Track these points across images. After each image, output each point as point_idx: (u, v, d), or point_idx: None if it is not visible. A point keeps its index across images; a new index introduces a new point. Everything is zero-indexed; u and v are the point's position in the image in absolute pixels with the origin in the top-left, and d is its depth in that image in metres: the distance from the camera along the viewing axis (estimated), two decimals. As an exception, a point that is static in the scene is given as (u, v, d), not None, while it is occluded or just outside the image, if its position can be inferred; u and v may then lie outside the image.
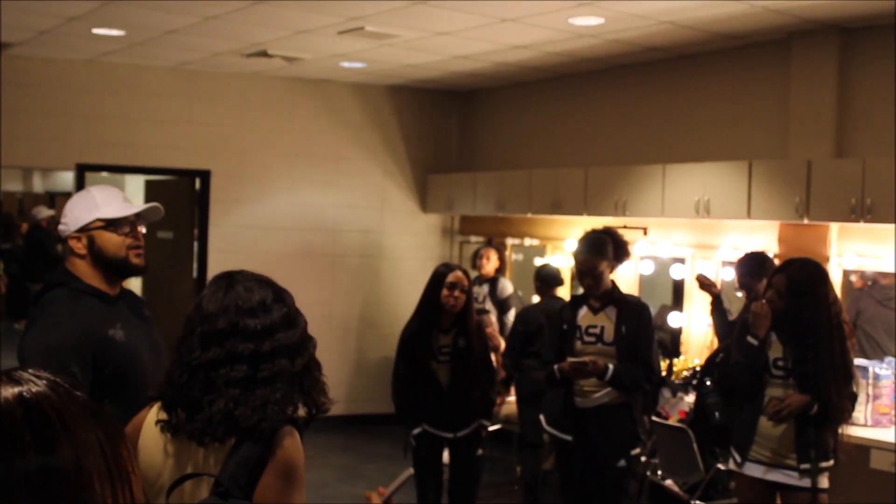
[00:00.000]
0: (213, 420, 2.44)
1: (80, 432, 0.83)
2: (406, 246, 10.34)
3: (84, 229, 3.30)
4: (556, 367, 5.55)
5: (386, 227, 10.46)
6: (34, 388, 0.85)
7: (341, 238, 10.26)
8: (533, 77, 9.46)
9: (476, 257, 9.00)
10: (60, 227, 3.37)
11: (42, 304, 3.29)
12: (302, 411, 2.56)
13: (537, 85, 9.69)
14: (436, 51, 8.31)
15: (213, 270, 9.14)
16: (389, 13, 6.90)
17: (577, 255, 5.68)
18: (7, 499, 0.79)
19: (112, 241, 3.30)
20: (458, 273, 5.89)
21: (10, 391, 0.84)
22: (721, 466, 5.71)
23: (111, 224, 3.31)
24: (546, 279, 7.65)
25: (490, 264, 8.85)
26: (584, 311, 5.65)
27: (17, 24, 7.72)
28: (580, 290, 5.84)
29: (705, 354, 7.17)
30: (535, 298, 8.10)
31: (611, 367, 5.44)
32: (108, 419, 0.89)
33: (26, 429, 0.81)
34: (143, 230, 3.41)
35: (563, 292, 7.80)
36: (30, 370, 0.90)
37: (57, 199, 15.99)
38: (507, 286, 8.87)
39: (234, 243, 9.79)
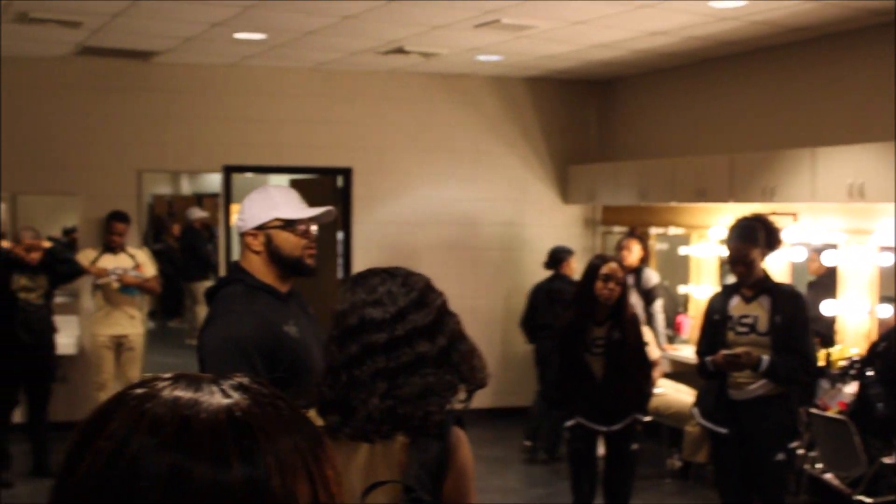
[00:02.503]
0: (372, 417, 2.45)
1: (284, 447, 0.82)
2: (548, 238, 10.25)
3: (262, 227, 3.35)
4: (708, 359, 5.43)
5: (527, 220, 10.43)
6: (243, 403, 0.84)
7: (483, 231, 10.27)
8: (672, 63, 9.28)
9: (618, 248, 8.85)
10: (238, 222, 3.42)
11: (220, 300, 3.35)
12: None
13: (677, 71, 9.49)
14: (572, 41, 8.22)
15: (357, 267, 9.25)
16: (525, 4, 6.85)
17: (728, 243, 5.54)
18: None
19: (289, 241, 3.36)
20: (613, 265, 5.81)
21: (218, 403, 0.84)
22: (886, 460, 5.50)
23: (288, 224, 3.36)
24: (552, 256, 8.90)
25: (632, 255, 8.68)
26: (735, 301, 5.51)
27: (163, 33, 7.95)
28: (730, 280, 5.70)
29: (862, 343, 6.92)
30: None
31: (765, 358, 5.29)
32: (310, 430, 0.87)
33: (233, 443, 0.81)
34: (316, 231, 3.44)
35: (712, 280, 7.61)
36: (227, 379, 0.89)
37: (204, 201, 16.39)
38: (651, 276, 8.72)
39: (377, 239, 9.90)
